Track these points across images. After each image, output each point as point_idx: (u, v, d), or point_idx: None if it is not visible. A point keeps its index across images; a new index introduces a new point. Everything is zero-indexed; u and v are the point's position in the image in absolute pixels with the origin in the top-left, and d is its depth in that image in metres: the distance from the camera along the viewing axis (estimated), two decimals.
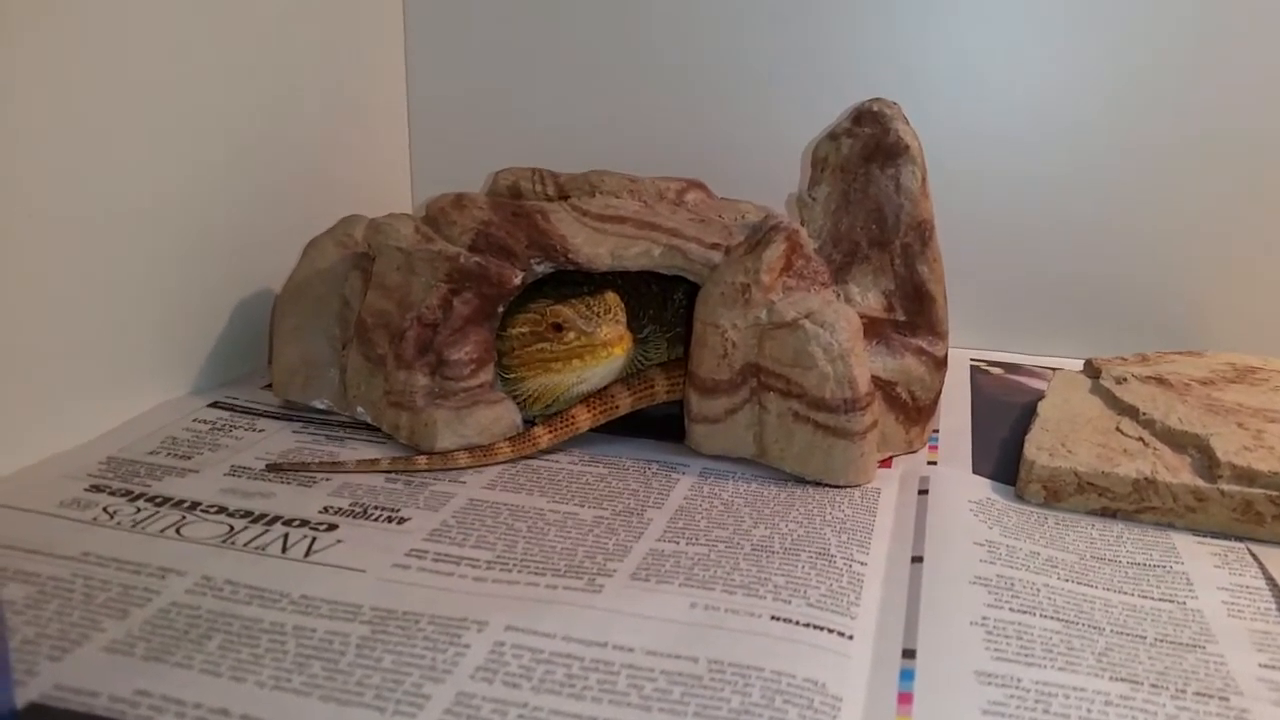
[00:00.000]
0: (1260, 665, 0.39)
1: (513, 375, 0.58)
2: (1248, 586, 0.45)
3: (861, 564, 0.46)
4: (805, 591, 0.43)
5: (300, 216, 0.68)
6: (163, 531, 0.46)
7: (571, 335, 0.55)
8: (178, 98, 0.59)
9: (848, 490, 0.53)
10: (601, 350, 0.55)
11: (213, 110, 0.62)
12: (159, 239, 0.59)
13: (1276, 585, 0.45)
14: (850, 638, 0.40)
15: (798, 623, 0.41)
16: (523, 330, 0.57)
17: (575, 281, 0.58)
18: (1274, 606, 0.43)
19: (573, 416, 0.56)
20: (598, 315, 0.55)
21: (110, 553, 0.44)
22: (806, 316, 0.52)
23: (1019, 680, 0.38)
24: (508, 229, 0.55)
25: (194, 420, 0.59)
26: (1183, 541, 0.49)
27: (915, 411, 0.57)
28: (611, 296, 0.56)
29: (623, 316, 0.56)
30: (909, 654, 0.39)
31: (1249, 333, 0.74)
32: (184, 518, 0.48)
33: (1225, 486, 0.49)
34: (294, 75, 0.70)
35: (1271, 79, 0.70)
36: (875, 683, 0.38)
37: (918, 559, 0.46)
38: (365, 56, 0.80)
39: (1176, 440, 0.54)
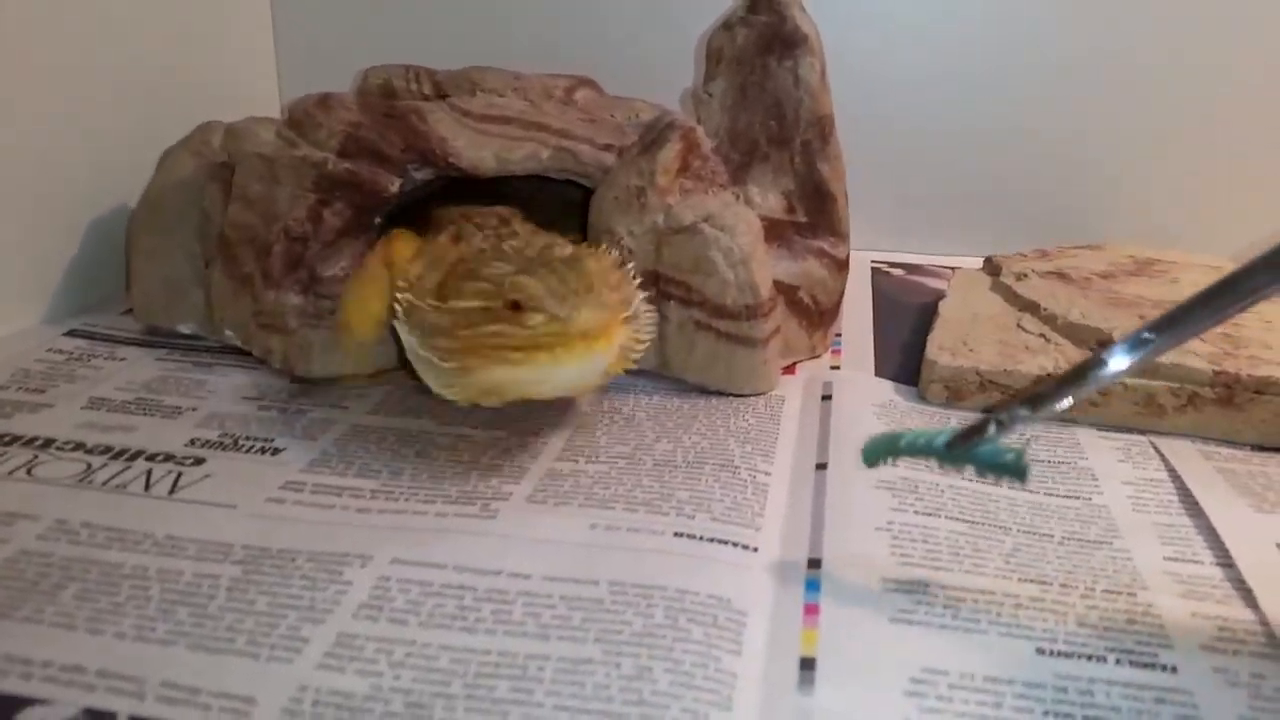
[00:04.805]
0: (1165, 559, 0.39)
1: (451, 363, 0.41)
2: (1151, 479, 0.45)
3: (766, 474, 0.44)
4: (709, 506, 0.41)
5: (155, 125, 0.62)
6: (11, 473, 0.42)
7: (538, 319, 0.39)
8: None
9: (751, 399, 0.51)
10: (579, 343, 0.39)
11: (54, 8, 0.56)
12: None
13: (1179, 477, 0.44)
14: (755, 550, 0.39)
15: (701, 538, 0.39)
16: (470, 305, 0.41)
17: (472, 193, 0.54)
18: (1176, 498, 0.43)
19: None
20: (574, 291, 0.39)
21: None
22: (705, 220, 0.49)
23: (926, 585, 0.37)
24: (380, 131, 0.51)
25: (48, 350, 0.54)
26: (1086, 437, 0.49)
27: (818, 316, 0.56)
28: (594, 264, 0.42)
29: (610, 296, 0.41)
30: (814, 564, 0.38)
31: (1147, 225, 0.74)
32: (36, 456, 0.44)
33: (1127, 380, 0.49)
34: None
35: None
36: (781, 595, 0.36)
37: (822, 466, 0.45)
38: None
39: (1078, 335, 0.53)
